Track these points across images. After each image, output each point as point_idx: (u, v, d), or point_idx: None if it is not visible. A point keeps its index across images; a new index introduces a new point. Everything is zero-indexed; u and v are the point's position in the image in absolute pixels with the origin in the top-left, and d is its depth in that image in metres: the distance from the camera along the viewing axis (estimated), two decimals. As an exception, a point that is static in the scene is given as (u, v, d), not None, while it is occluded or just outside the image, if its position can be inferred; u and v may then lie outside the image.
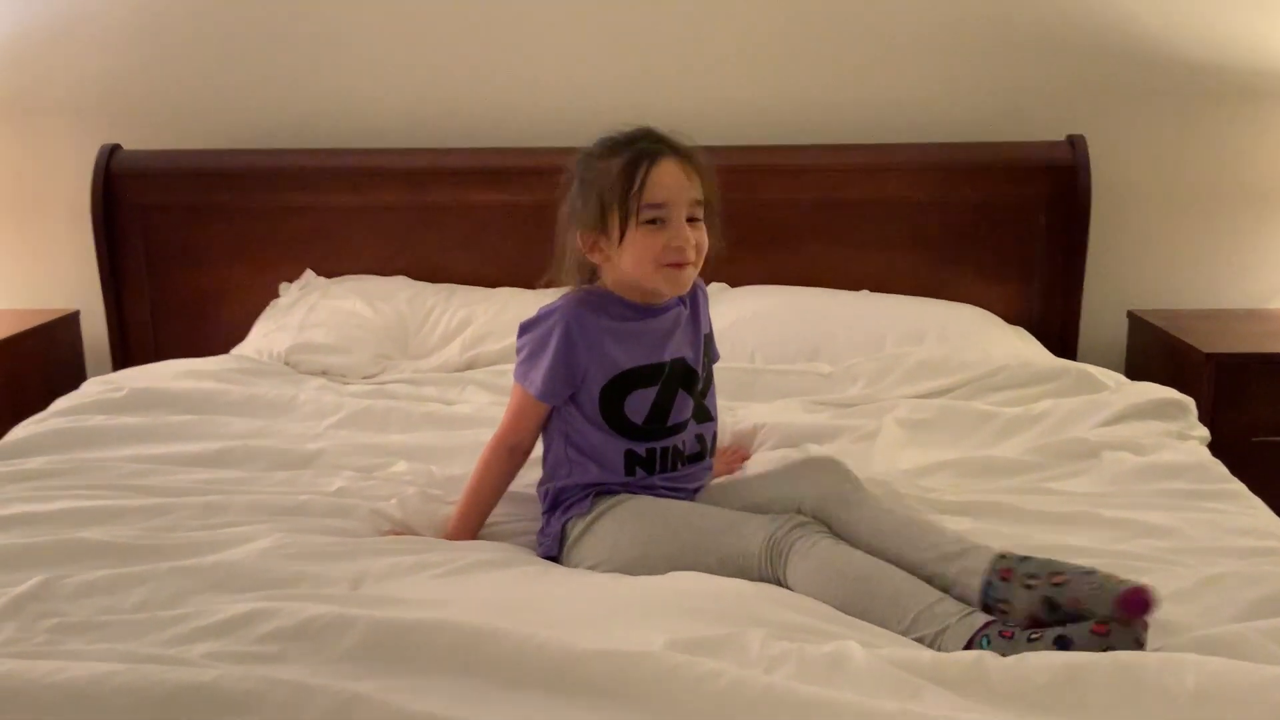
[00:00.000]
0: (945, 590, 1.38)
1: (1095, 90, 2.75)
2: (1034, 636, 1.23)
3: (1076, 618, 1.26)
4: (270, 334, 2.54)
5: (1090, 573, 1.28)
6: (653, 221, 1.60)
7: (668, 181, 1.60)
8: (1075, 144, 2.67)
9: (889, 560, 1.43)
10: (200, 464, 1.88)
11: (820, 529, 1.47)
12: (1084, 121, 2.73)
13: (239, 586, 1.42)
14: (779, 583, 1.44)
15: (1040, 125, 2.75)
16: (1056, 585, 1.29)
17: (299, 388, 2.30)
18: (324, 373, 2.44)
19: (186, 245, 2.80)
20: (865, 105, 2.79)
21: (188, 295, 2.82)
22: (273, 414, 2.16)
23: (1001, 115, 2.77)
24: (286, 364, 2.45)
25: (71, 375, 2.76)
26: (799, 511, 1.53)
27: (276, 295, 2.75)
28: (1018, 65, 2.75)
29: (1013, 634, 1.25)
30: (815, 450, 1.85)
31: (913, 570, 1.41)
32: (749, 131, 2.78)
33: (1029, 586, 1.30)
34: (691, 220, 1.63)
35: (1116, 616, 1.23)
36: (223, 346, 2.58)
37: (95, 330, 2.90)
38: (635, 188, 1.58)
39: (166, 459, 1.88)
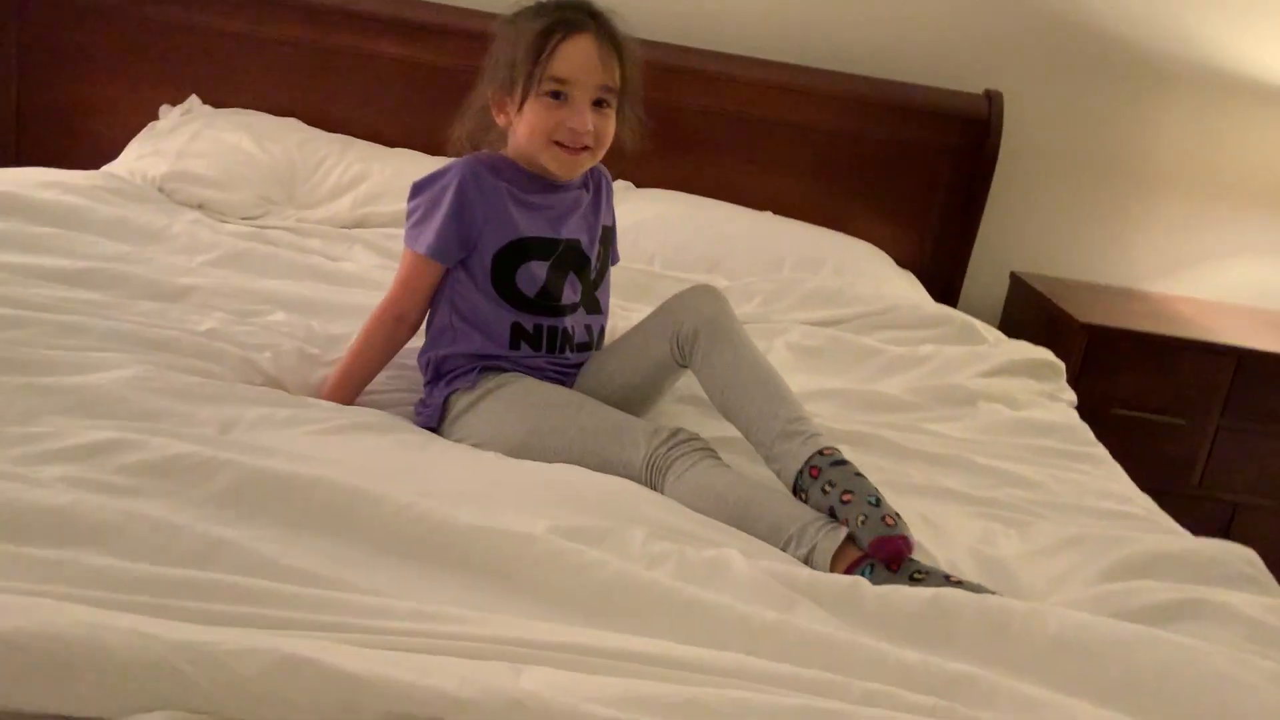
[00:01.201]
0: (767, 460, 1.44)
1: (1018, 49, 2.77)
2: (918, 576, 1.26)
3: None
4: (146, 157, 2.38)
5: (875, 503, 1.32)
6: (555, 95, 1.55)
7: (579, 59, 1.55)
8: (992, 99, 2.70)
9: (732, 415, 1.48)
10: (60, 280, 1.75)
11: (701, 448, 1.45)
12: (1002, 79, 2.76)
13: (97, 413, 1.33)
14: (657, 490, 1.43)
15: (960, 76, 2.75)
16: (844, 502, 1.33)
17: (172, 218, 2.16)
18: (200, 206, 2.30)
19: (64, 46, 2.59)
20: (794, 24, 2.74)
21: (60, 102, 2.61)
22: (142, 240, 2.03)
23: (925, 59, 2.77)
24: (160, 190, 2.31)
25: (-84, 168, 2.53)
26: (677, 339, 1.53)
27: (156, 117, 2.57)
28: (951, 12, 2.74)
29: (898, 568, 1.27)
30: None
31: (748, 433, 1.47)
32: (676, 30, 2.71)
33: (825, 492, 1.36)
34: (599, 104, 1.58)
35: (869, 552, 1.28)
36: (92, 164, 2.40)
37: (-52, 123, 2.66)
38: (542, 55, 1.53)
39: (23, 269, 1.74)
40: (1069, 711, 0.98)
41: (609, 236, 1.76)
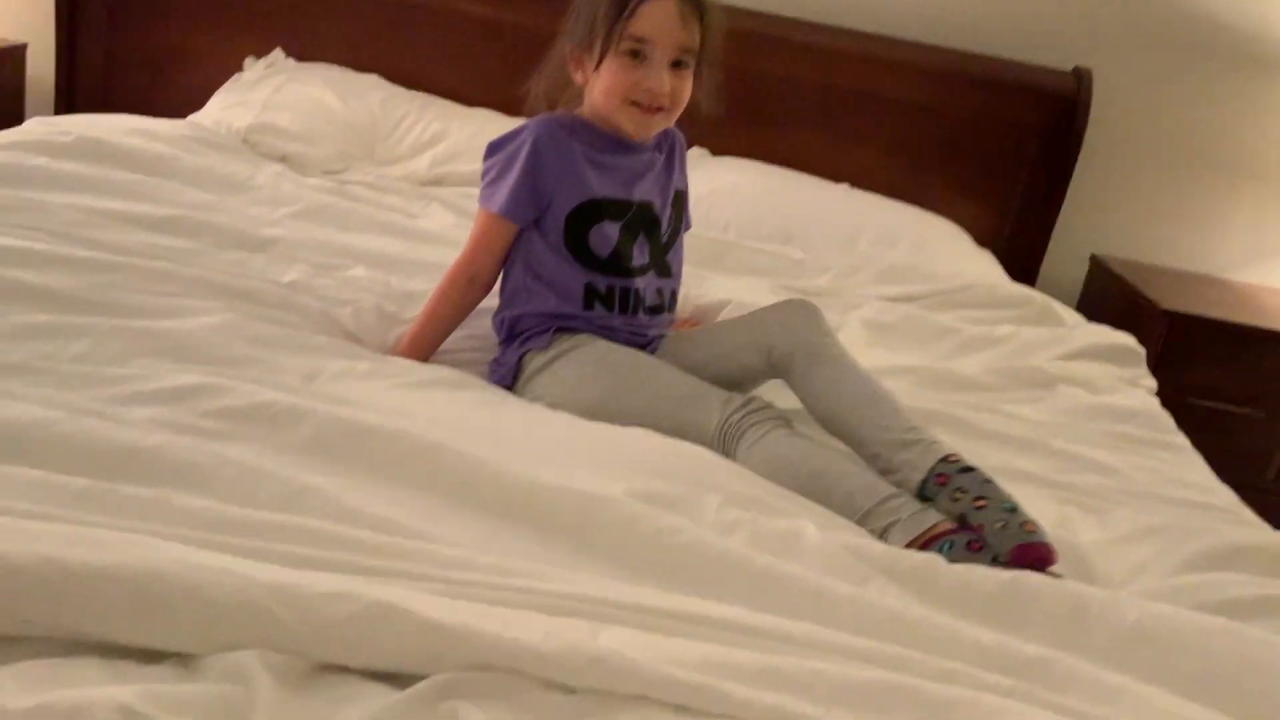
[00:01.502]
0: (885, 472, 1.38)
1: (1111, 28, 2.70)
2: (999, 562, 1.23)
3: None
4: (231, 108, 2.41)
5: (1012, 510, 1.28)
6: (634, 54, 1.54)
7: (659, 17, 1.53)
8: (1081, 77, 2.63)
9: (839, 429, 1.44)
10: (147, 227, 1.78)
11: (775, 417, 1.44)
12: (1093, 57, 2.69)
13: (185, 358, 1.35)
14: (733, 459, 1.42)
15: (1049, 52, 2.69)
16: (977, 508, 1.29)
17: (256, 169, 2.19)
18: (283, 159, 2.32)
19: (153, -2, 2.62)
20: (883, -6, 2.70)
21: (147, 48, 2.65)
22: (227, 190, 2.06)
23: (1013, 33, 2.70)
24: (245, 142, 2.33)
25: (10, 113, 2.59)
26: (770, 355, 1.51)
27: (241, 69, 2.60)
28: (1041, -14, 2.68)
29: (980, 548, 1.25)
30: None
31: (860, 445, 1.42)
32: (760, -2, 2.68)
33: (955, 499, 1.31)
34: (677, 65, 1.56)
35: (1006, 562, 1.23)
36: (176, 112, 2.43)
37: (41, 70, 2.71)
38: (623, 14, 1.52)
39: (112, 214, 1.78)
40: (1148, 700, 0.97)
41: (681, 200, 1.75)
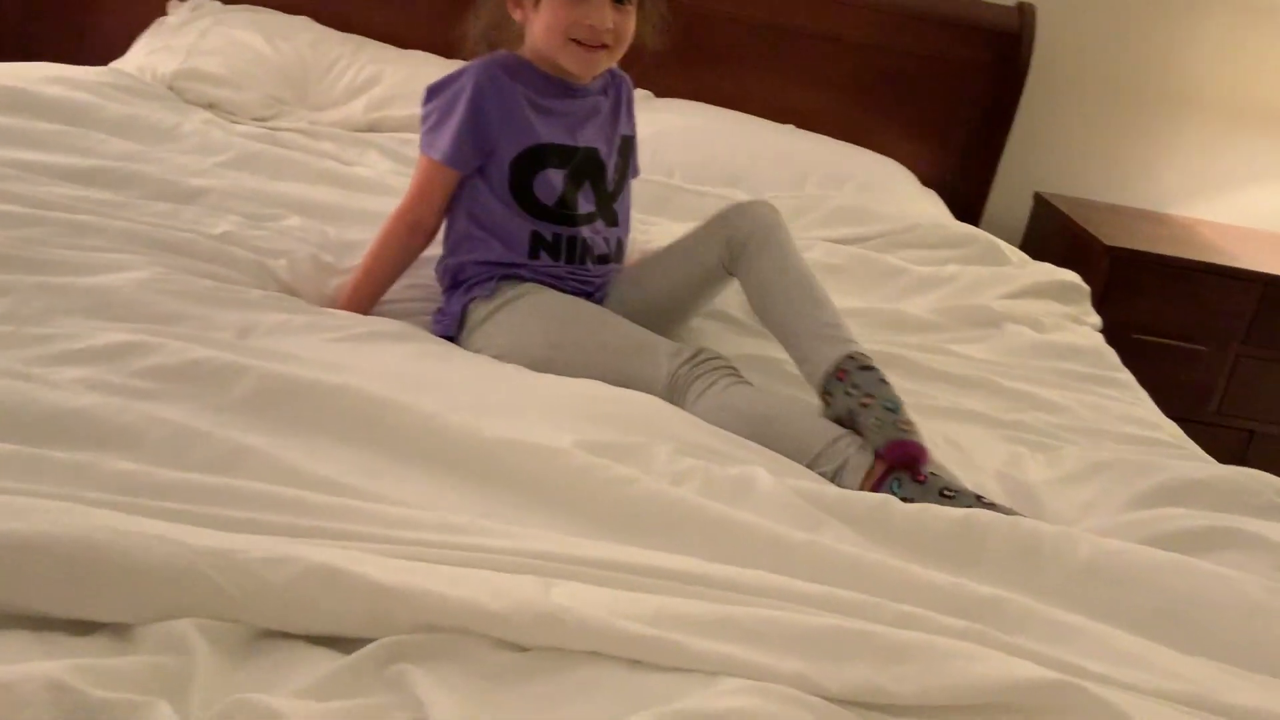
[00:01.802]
0: (798, 361, 1.44)
1: (1054, -38, 2.69)
2: (948, 494, 1.24)
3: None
4: (155, 53, 2.32)
5: (894, 409, 1.32)
6: None
7: None
8: (1024, 11, 2.62)
9: (769, 317, 1.48)
10: (71, 179, 1.70)
11: (722, 367, 1.42)
12: (1036, -7, 2.67)
13: (113, 315, 1.30)
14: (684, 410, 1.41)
15: (992, -13, 2.67)
16: (863, 405, 1.33)
17: (184, 117, 2.11)
18: (210, 106, 2.24)
19: (68, -63, 2.51)
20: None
21: (64, -5, 2.54)
22: (153, 140, 1.98)
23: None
24: (170, 89, 2.24)
25: (-80, 62, 2.47)
26: (729, 245, 1.52)
27: (164, 13, 2.49)
28: (984, -80, 2.65)
29: (925, 479, 1.25)
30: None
31: (783, 333, 1.47)
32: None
33: (848, 394, 1.35)
34: (619, 1, 1.52)
35: (881, 455, 1.28)
36: (98, 60, 2.33)
37: (-48, 17, 2.59)
38: None
39: (33, 166, 1.70)
40: (1102, 638, 0.97)
41: (628, 147, 1.71)
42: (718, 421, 1.35)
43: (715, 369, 1.42)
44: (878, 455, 1.28)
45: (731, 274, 1.56)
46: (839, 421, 1.36)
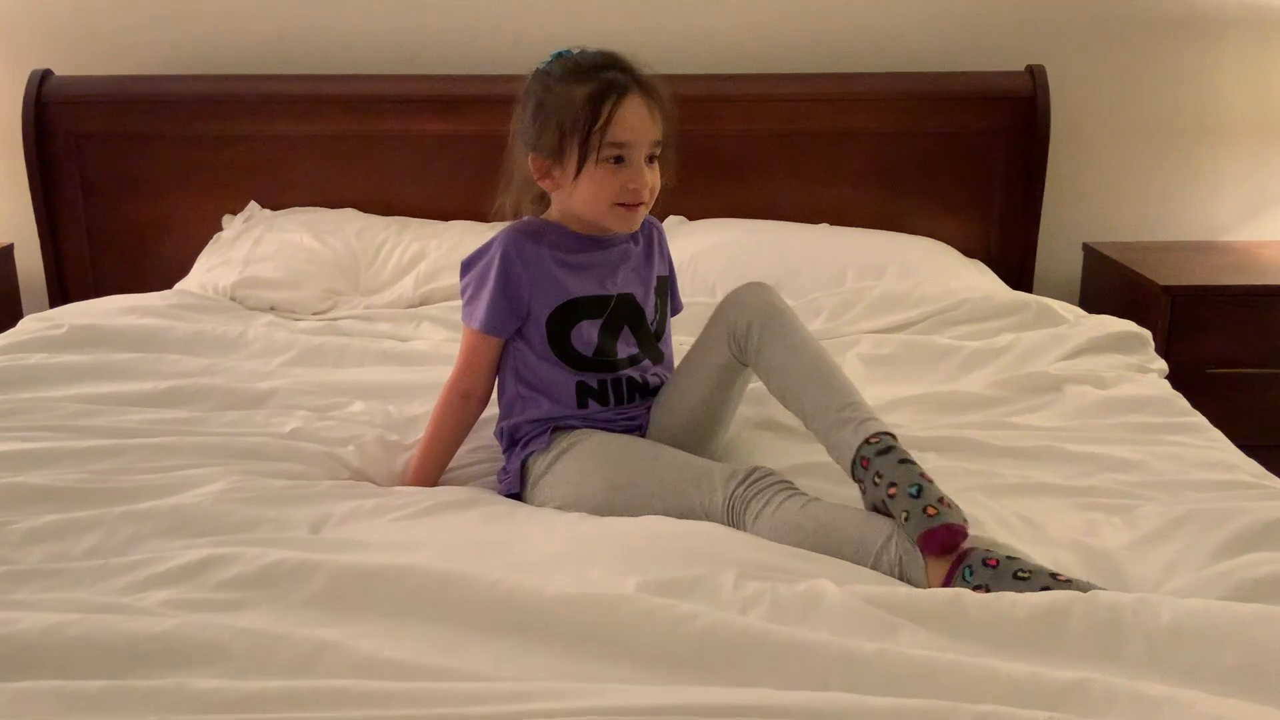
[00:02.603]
0: (828, 450, 1.44)
1: (1054, 20, 2.72)
2: (1022, 575, 1.22)
3: None
4: (215, 269, 2.46)
5: (916, 494, 1.30)
6: (616, 160, 1.55)
7: (633, 121, 1.55)
8: (1035, 74, 2.65)
9: (790, 405, 1.49)
10: (147, 404, 1.81)
11: (777, 483, 1.44)
12: (1043, 52, 2.70)
13: (194, 531, 1.37)
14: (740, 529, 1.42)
15: (1000, 55, 2.71)
16: (890, 497, 1.33)
17: (247, 324, 2.23)
18: (272, 309, 2.37)
19: (124, 175, 2.69)
20: (824, 34, 2.73)
21: (127, 228, 2.71)
22: (221, 351, 2.09)
23: (962, 45, 2.73)
24: (233, 299, 2.38)
25: (7, 313, 2.65)
26: (733, 338, 1.54)
27: (219, 228, 2.66)
28: (978, -6, 2.71)
29: (998, 563, 1.24)
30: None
31: (807, 422, 1.47)
32: (708, 60, 2.72)
33: (875, 484, 1.35)
34: (649, 159, 1.59)
35: (922, 548, 1.27)
36: (165, 282, 2.50)
37: (30, 265, 2.78)
38: (600, 123, 1.53)
39: (112, 398, 1.82)
40: (1189, 705, 0.95)
41: (665, 286, 1.75)
42: (778, 539, 1.37)
43: (769, 486, 1.43)
44: (922, 548, 1.28)
45: (745, 365, 1.57)
46: (876, 510, 1.36)
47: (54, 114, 2.65)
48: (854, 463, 1.38)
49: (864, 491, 1.39)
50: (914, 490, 1.31)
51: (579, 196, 1.58)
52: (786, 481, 1.44)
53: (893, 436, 1.39)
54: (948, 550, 1.26)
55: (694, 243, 2.49)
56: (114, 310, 2.24)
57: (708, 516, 1.43)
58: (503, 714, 0.94)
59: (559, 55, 1.60)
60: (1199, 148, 2.79)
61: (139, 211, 2.71)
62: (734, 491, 1.43)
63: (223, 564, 1.24)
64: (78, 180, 2.69)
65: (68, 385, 1.87)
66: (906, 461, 1.35)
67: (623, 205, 1.58)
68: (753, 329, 1.52)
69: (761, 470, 1.45)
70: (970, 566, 1.25)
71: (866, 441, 1.38)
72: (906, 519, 1.29)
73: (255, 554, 1.25)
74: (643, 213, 1.62)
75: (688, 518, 1.43)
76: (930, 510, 1.28)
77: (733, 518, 1.42)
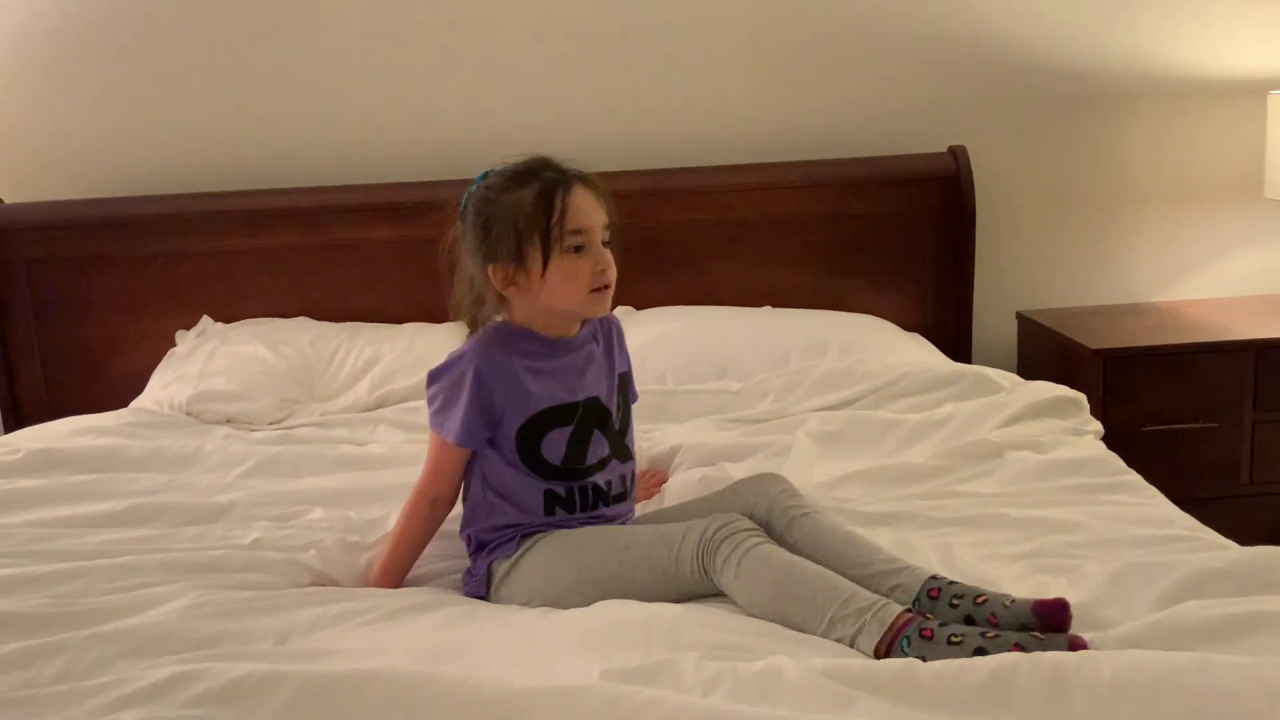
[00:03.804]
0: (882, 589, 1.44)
1: (972, 101, 2.86)
2: (954, 639, 1.28)
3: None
4: (169, 385, 2.48)
5: (1010, 599, 1.36)
6: (577, 249, 1.60)
7: (585, 207, 1.60)
8: (957, 154, 2.77)
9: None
10: (107, 524, 1.83)
11: (747, 529, 1.49)
12: (964, 132, 2.83)
13: (160, 650, 1.38)
14: (709, 581, 1.47)
15: (922, 138, 2.83)
16: (978, 604, 1.37)
17: (204, 438, 2.25)
18: (228, 421, 2.38)
19: (76, 298, 2.72)
20: (757, 125, 2.84)
21: (80, 350, 2.73)
22: (179, 467, 2.11)
23: (885, 130, 2.85)
24: (189, 414, 2.39)
25: (-41, 440, 2.64)
26: (751, 517, 1.56)
27: (173, 344, 2.68)
28: (897, 81, 2.84)
29: (931, 633, 1.29)
30: (756, 468, 1.87)
31: (845, 572, 1.46)
32: (645, 156, 2.81)
33: (954, 606, 1.38)
34: (604, 244, 1.64)
35: (1036, 621, 1.31)
36: (120, 401, 2.51)
37: (-18, 391, 2.78)
38: (556, 216, 1.58)
39: (71, 521, 1.83)
40: (1132, 757, 0.99)
41: (625, 383, 1.79)
42: (743, 592, 1.43)
43: (738, 533, 1.48)
44: (1035, 622, 1.32)
45: None
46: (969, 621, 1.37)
47: (4, 240, 2.68)
48: (920, 596, 1.41)
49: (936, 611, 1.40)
50: (1007, 597, 1.38)
51: (552, 292, 1.61)
52: (755, 529, 1.49)
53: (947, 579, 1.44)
54: (1061, 612, 1.31)
55: (643, 332, 2.55)
56: (69, 432, 2.25)
57: (678, 566, 1.48)
58: (474, 810, 0.96)
59: (486, 174, 1.65)
60: (1118, 215, 2.92)
61: (92, 332, 2.73)
62: (705, 537, 1.47)
63: (190, 681, 1.25)
64: (29, 305, 2.71)
65: (26, 511, 1.87)
66: (977, 587, 1.41)
67: (595, 290, 1.62)
68: (775, 508, 1.58)
69: (732, 519, 1.50)
70: (908, 637, 1.30)
71: (933, 577, 1.42)
72: (1012, 604, 1.34)
73: (221, 669, 1.26)
74: (609, 294, 1.65)
75: (659, 579, 1.48)
76: (1032, 600, 1.35)
77: (704, 561, 1.47)
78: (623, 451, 1.73)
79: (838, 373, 2.32)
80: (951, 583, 1.41)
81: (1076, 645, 1.26)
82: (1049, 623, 1.31)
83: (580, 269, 1.60)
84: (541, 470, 1.64)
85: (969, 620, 1.36)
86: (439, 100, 2.82)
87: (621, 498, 1.72)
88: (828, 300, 2.73)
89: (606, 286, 1.63)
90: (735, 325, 2.60)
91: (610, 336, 1.78)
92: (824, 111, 2.84)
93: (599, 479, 1.68)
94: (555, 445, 1.64)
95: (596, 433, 1.68)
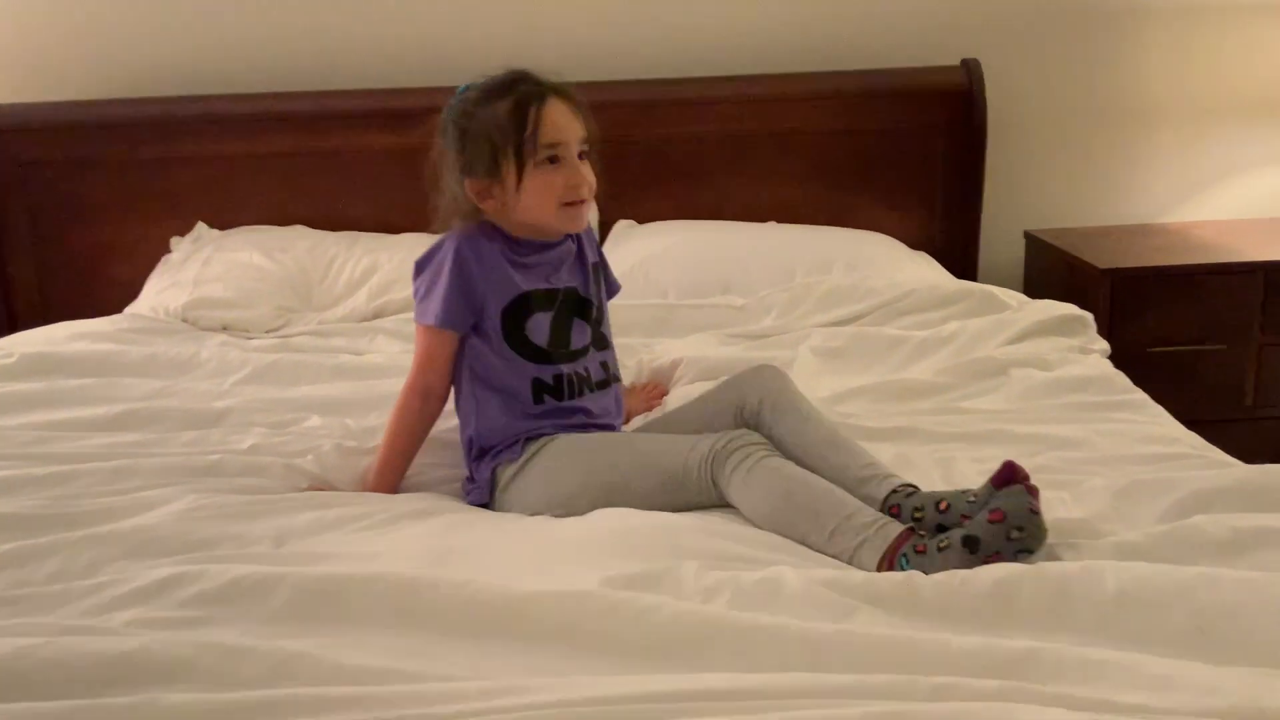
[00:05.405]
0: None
1: (987, 13, 2.78)
2: (942, 545, 1.28)
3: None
4: (165, 290, 2.45)
5: (964, 491, 1.37)
6: (551, 160, 1.59)
7: (560, 121, 1.60)
8: (970, 68, 2.70)
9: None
10: (103, 428, 1.81)
11: (760, 444, 1.49)
12: (977, 46, 2.76)
13: (156, 551, 1.37)
14: (717, 490, 1.47)
15: (936, 51, 2.76)
16: (941, 511, 1.37)
17: (200, 345, 2.23)
18: (224, 328, 2.36)
19: (71, 201, 2.67)
20: (764, 34, 2.77)
21: (75, 254, 2.69)
22: (174, 373, 2.09)
23: (897, 42, 2.78)
24: (184, 321, 2.37)
25: (-46, 344, 2.62)
26: (741, 411, 1.60)
27: (168, 250, 2.64)
28: (912, -9, 2.76)
29: (925, 548, 1.29)
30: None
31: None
32: (649, 65, 2.74)
33: (917, 519, 1.38)
34: (581, 156, 1.63)
35: (996, 485, 1.33)
36: (115, 306, 2.48)
37: (-24, 296, 2.75)
38: (530, 129, 1.57)
39: (67, 425, 1.81)
40: (1135, 667, 0.99)
41: (599, 272, 1.79)
42: (747, 496, 1.43)
43: (749, 444, 1.48)
44: (996, 485, 1.33)
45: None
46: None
47: (-4, 142, 2.63)
48: (883, 508, 1.41)
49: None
50: (962, 490, 1.39)
51: (525, 205, 1.61)
52: (765, 443, 1.49)
53: (915, 486, 1.44)
54: (1019, 475, 1.32)
55: (644, 246, 2.52)
56: (65, 336, 2.23)
57: (685, 473, 1.49)
58: (474, 711, 0.96)
59: (465, 89, 1.65)
60: (1132, 134, 2.86)
61: (86, 237, 2.69)
62: (717, 447, 1.48)
63: (186, 581, 1.24)
64: (23, 207, 2.66)
65: (21, 414, 1.86)
66: (933, 492, 1.42)
67: (568, 204, 1.62)
68: (764, 405, 1.60)
69: (744, 433, 1.51)
70: (905, 555, 1.30)
71: (894, 492, 1.42)
72: (974, 500, 1.35)
73: (219, 570, 1.25)
74: (587, 209, 1.65)
75: (667, 485, 1.49)
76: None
77: (714, 468, 1.47)
78: (601, 340, 1.74)
79: (843, 289, 2.29)
80: (909, 494, 1.41)
81: (1011, 468, 1.31)
82: (1011, 482, 1.32)
83: (554, 181, 1.60)
84: (529, 354, 1.64)
85: (939, 528, 1.36)
86: (440, 2, 2.74)
87: (604, 384, 1.71)
88: (834, 217, 2.69)
89: (581, 201, 1.62)
90: (740, 240, 2.56)
91: (579, 236, 1.77)
92: (834, 19, 2.77)
93: (581, 365, 1.68)
94: (540, 327, 1.64)
95: (578, 320, 1.69)
